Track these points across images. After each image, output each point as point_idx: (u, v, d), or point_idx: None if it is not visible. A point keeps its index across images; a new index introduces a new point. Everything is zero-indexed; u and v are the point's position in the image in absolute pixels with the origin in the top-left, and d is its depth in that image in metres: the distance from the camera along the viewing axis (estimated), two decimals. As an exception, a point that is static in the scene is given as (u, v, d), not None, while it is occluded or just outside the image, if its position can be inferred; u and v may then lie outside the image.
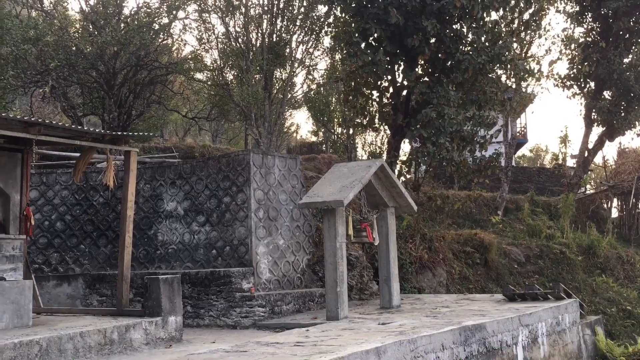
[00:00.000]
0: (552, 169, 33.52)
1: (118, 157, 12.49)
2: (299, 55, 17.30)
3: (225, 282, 10.24)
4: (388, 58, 14.26)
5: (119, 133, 9.54)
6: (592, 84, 24.09)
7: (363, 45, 14.63)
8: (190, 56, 18.46)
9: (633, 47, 23.16)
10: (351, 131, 23.57)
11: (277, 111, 16.60)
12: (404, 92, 15.31)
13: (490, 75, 14.97)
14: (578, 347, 10.40)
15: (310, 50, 17.38)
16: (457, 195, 20.69)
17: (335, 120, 24.80)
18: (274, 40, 16.38)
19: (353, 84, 15.85)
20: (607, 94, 24.09)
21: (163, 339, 8.22)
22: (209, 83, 18.92)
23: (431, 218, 18.06)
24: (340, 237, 9.38)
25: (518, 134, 34.77)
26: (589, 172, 33.89)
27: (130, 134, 9.87)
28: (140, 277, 10.57)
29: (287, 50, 16.83)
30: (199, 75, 19.17)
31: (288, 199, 11.93)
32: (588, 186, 33.04)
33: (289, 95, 17.90)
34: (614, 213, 29.59)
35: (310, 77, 18.17)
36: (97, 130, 9.45)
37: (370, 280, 13.10)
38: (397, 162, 15.62)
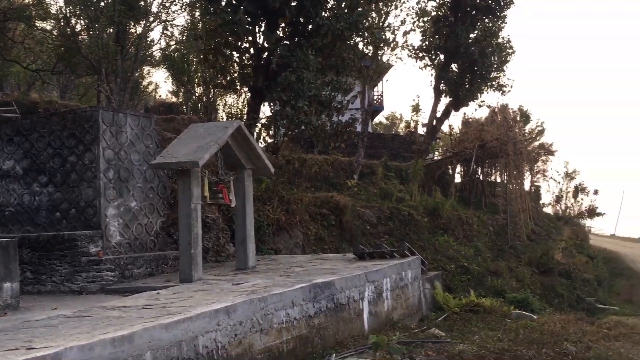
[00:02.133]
0: (404, 136, 35.42)
1: (-58, 110, 11.15)
2: (154, 9, 16.45)
3: (70, 246, 9.66)
4: (249, 18, 14.03)
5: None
6: (442, 57, 25.64)
7: (223, 3, 14.24)
8: (32, 2, 16.81)
9: (478, 24, 24.92)
10: (212, 92, 23.05)
11: (131, 67, 15.72)
12: (265, 55, 15.20)
13: (348, 42, 15.32)
14: (418, 300, 11.24)
15: (167, 4, 16.60)
16: (315, 159, 21.16)
17: (196, 80, 24.13)
18: (128, -10, 15.42)
19: (213, 43, 15.41)
20: (454, 66, 25.79)
21: (-3, 307, 7.60)
22: (54, 33, 17.40)
23: (290, 181, 18.34)
24: (195, 199, 9.22)
25: (375, 102, 36.18)
26: (437, 140, 36.32)
27: (-44, 83, 8.80)
28: (-29, 242, 9.62)
29: (142, 2, 15.92)
30: (42, 24, 17.55)
31: (141, 159, 11.44)
32: (436, 153, 35.45)
33: (144, 52, 17.01)
34: (457, 178, 32.12)
35: (167, 33, 17.39)
36: None
37: (227, 242, 13.07)
38: (257, 124, 15.58)
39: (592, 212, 48.01)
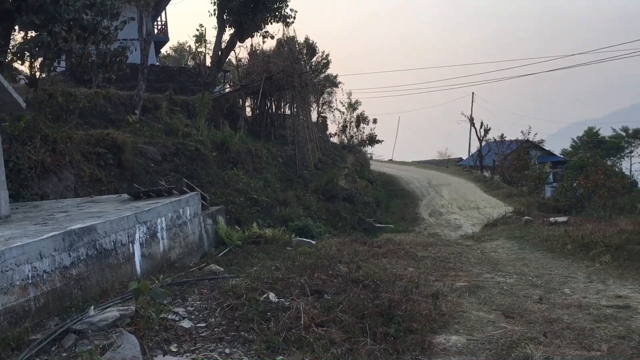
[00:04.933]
0: (192, 69, 34.06)
1: None
2: None
3: None
4: None
5: None
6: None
7: None
8: None
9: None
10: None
11: None
12: (11, -30, 12.91)
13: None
14: (199, 237, 10.87)
15: None
16: (85, 93, 19.19)
17: None
18: None
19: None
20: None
21: None
22: None
23: (57, 118, 16.42)
24: None
25: (158, 32, 34.10)
26: (227, 73, 35.65)
27: None
28: None
29: None
30: None
31: None
32: (226, 86, 34.84)
33: None
34: (247, 111, 32.03)
35: None
36: None
37: (-25, 190, 11.24)
38: (7, 53, 13.40)
39: (372, 140, 51.98)
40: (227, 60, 30.60)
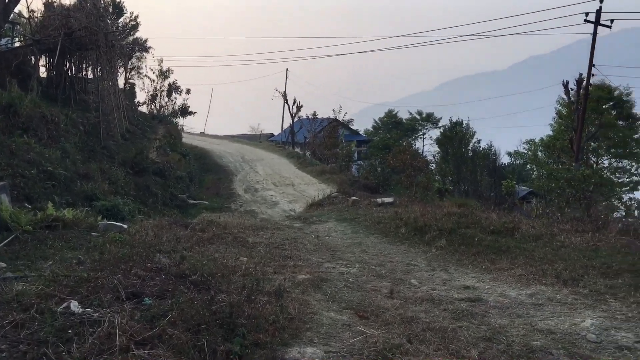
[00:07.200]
0: (-30, 16, 28.76)
1: None
2: None
3: None
4: None
5: None
6: None
7: None
8: None
9: None
10: None
11: None
12: None
13: None
14: (-26, 222, 8.58)
15: None
16: None
17: None
18: None
19: None
20: None
21: None
22: None
23: None
24: None
25: None
26: (15, 25, 30.88)
27: None
28: None
29: None
30: None
31: None
32: (16, 40, 30.12)
33: None
34: (42, 71, 28.01)
35: None
36: None
37: None
38: None
39: (184, 111, 49.53)
40: (16, 10, 26.27)
